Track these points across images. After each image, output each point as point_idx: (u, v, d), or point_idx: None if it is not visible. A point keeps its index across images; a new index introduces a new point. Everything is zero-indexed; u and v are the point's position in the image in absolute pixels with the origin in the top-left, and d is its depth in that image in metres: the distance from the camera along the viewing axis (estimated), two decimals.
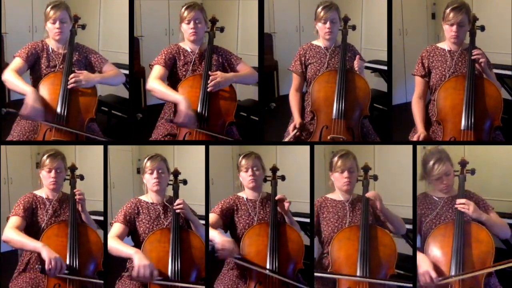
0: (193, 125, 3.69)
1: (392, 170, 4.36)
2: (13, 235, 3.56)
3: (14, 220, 3.61)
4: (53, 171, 3.68)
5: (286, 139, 3.83)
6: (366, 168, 3.68)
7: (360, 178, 3.68)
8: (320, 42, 3.87)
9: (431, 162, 3.62)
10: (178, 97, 3.69)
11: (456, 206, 3.56)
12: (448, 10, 3.68)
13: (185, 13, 3.80)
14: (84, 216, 3.69)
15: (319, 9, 3.81)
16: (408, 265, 3.78)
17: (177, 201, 3.64)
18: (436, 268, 3.51)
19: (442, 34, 3.76)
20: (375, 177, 3.69)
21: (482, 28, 3.69)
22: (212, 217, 3.68)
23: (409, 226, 3.84)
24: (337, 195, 3.72)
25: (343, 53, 3.80)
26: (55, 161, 3.67)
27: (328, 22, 3.80)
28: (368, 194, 3.61)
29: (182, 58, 3.84)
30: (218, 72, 3.80)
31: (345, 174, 3.66)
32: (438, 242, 3.55)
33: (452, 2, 3.70)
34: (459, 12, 3.66)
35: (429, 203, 3.66)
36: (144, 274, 3.48)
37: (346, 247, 3.58)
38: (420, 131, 3.74)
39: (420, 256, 3.54)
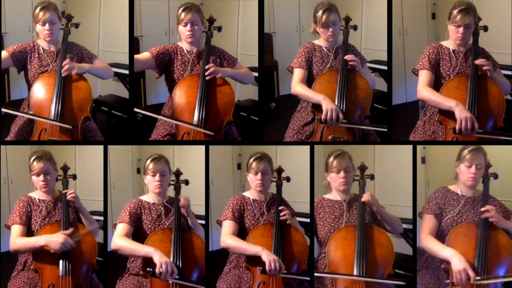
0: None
1: (392, 170, 4.36)
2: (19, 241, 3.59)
3: (16, 229, 3.63)
4: (42, 174, 3.66)
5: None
6: (363, 168, 3.67)
7: (357, 178, 3.67)
8: (321, 43, 3.86)
9: (467, 150, 3.58)
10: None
11: (482, 216, 3.53)
12: (455, 12, 3.64)
13: (182, 15, 3.78)
14: (84, 219, 3.69)
15: (319, 13, 3.77)
16: (408, 265, 3.79)
17: (182, 200, 3.64)
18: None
19: (447, 34, 3.73)
20: (372, 177, 3.68)
21: (485, 29, 3.68)
22: (229, 224, 3.66)
23: (409, 226, 3.84)
24: (333, 195, 3.72)
25: (344, 53, 3.79)
26: (41, 163, 3.65)
27: (330, 27, 3.78)
28: (363, 199, 3.60)
29: (179, 57, 3.84)
30: (212, 65, 3.78)
31: (341, 174, 3.66)
32: (460, 242, 3.51)
33: (459, 3, 3.65)
34: (467, 14, 3.62)
35: (451, 199, 3.63)
36: (167, 270, 3.47)
37: (343, 247, 3.58)
38: (454, 104, 3.56)
39: (450, 252, 3.46)
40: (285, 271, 3.52)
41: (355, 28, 3.82)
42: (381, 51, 3.92)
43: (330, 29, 3.77)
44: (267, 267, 3.49)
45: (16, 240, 3.59)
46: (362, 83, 3.78)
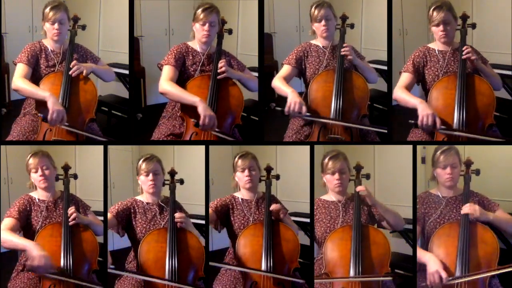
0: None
1: (392, 170, 4.35)
2: (8, 236, 3.56)
3: (7, 222, 3.61)
4: (39, 169, 3.67)
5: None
6: (358, 168, 3.67)
7: (352, 178, 3.67)
8: (318, 42, 3.87)
9: (439, 151, 3.62)
10: (194, 99, 3.68)
11: (462, 213, 3.54)
12: (431, 11, 3.68)
13: (202, 15, 3.77)
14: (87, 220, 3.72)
15: (312, 9, 3.80)
16: (408, 265, 3.78)
17: (178, 216, 3.62)
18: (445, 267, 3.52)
19: (431, 35, 3.76)
20: (368, 176, 3.68)
21: (474, 26, 3.69)
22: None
23: (409, 226, 3.83)
24: (329, 196, 3.72)
25: (341, 52, 3.79)
26: (36, 159, 3.66)
27: (323, 20, 3.80)
28: (358, 189, 3.60)
29: (190, 57, 3.83)
30: (224, 63, 3.79)
31: (336, 175, 3.65)
32: (443, 242, 3.54)
33: (433, 3, 3.69)
34: (440, 10, 3.65)
35: (432, 202, 3.65)
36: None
37: (340, 247, 3.58)
38: (418, 102, 3.61)
39: (428, 256, 3.53)
40: (217, 129, 3.66)
41: (351, 26, 3.83)
42: (381, 51, 3.92)
43: (323, 23, 3.78)
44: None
45: (5, 233, 3.57)
46: (359, 82, 3.78)
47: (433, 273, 3.46)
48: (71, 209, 3.63)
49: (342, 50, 3.77)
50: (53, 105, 3.62)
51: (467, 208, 3.53)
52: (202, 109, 3.65)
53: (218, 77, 3.77)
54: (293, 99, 3.66)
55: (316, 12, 3.79)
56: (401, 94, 3.69)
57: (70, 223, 3.62)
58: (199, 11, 3.78)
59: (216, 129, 3.70)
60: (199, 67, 3.83)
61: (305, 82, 3.87)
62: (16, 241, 3.54)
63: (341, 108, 3.72)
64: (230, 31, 3.86)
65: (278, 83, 3.78)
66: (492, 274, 3.50)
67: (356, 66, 3.82)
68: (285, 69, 3.85)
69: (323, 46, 3.84)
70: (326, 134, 3.76)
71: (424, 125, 3.59)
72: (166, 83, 3.74)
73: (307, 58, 3.84)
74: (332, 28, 3.81)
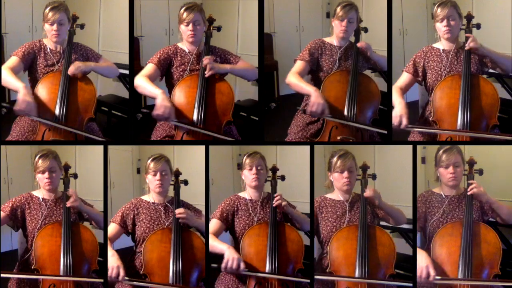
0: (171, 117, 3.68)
1: (392, 170, 4.36)
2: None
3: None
4: (46, 172, 3.67)
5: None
6: (365, 167, 3.68)
7: (359, 178, 3.68)
8: (331, 40, 3.87)
9: (441, 151, 3.62)
10: (156, 91, 3.69)
11: (468, 191, 3.56)
12: (435, 8, 3.69)
13: (184, 15, 3.79)
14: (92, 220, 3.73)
15: (339, 8, 3.80)
16: (408, 265, 3.79)
17: (178, 211, 3.64)
18: (439, 267, 3.52)
19: (436, 35, 3.77)
20: (374, 176, 3.69)
21: (478, 26, 3.70)
22: (214, 223, 3.68)
23: (409, 226, 3.84)
24: (336, 195, 3.72)
25: (356, 55, 3.80)
26: (47, 161, 3.66)
27: (345, 21, 3.80)
28: (366, 194, 3.61)
29: (179, 58, 3.84)
30: (210, 58, 3.78)
31: (345, 174, 3.66)
32: (445, 242, 3.55)
33: (438, 0, 3.70)
34: (445, 6, 3.66)
35: (435, 201, 3.66)
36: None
37: (345, 246, 3.58)
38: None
39: (419, 252, 3.54)
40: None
41: (365, 30, 3.85)
42: (381, 51, 3.92)
43: (344, 23, 3.79)
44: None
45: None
46: (372, 86, 3.79)
47: (422, 269, 3.49)
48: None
49: (358, 45, 3.80)
50: (24, 96, 3.62)
51: (472, 186, 3.56)
52: (160, 100, 3.66)
53: (206, 75, 3.76)
54: (317, 100, 3.67)
55: (342, 12, 3.79)
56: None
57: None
58: (182, 11, 3.79)
59: (196, 128, 3.71)
60: (188, 67, 3.83)
61: (315, 79, 3.86)
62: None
63: (355, 112, 3.73)
64: (218, 28, 3.84)
65: (295, 80, 3.78)
66: (495, 275, 3.51)
67: (376, 62, 3.85)
68: (298, 65, 3.83)
69: (337, 46, 3.85)
70: (337, 135, 3.76)
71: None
72: (139, 77, 3.77)
73: (321, 54, 3.84)
74: (351, 30, 3.83)
